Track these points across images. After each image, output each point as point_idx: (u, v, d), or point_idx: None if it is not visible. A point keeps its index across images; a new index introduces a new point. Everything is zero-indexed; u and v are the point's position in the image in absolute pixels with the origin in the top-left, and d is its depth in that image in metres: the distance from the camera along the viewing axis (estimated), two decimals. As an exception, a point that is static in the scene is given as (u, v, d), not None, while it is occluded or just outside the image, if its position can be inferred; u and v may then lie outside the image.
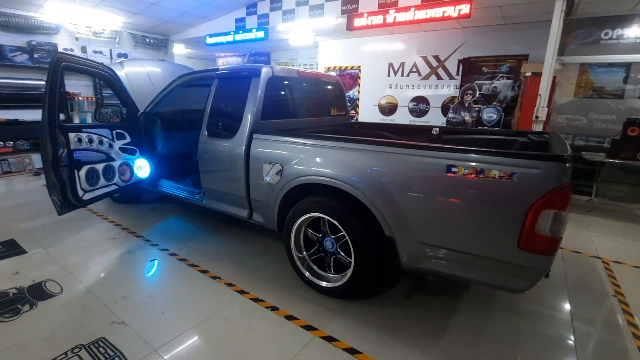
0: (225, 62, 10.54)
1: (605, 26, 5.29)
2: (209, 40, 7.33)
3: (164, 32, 7.94)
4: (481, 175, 1.77)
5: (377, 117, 7.68)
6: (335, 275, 2.45)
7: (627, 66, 5.26)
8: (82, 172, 2.91)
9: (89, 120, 6.44)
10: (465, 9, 4.43)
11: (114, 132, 3.33)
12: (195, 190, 3.51)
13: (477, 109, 5.53)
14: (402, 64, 7.11)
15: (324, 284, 2.45)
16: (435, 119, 6.97)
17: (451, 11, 4.51)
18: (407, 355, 1.94)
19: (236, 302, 2.40)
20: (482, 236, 1.84)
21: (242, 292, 2.53)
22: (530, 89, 4.70)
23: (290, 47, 9.00)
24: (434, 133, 3.60)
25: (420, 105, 7.11)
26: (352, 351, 1.96)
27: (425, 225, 1.99)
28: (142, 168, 3.62)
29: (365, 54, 7.52)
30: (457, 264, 1.98)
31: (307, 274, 2.53)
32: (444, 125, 6.50)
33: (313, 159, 2.39)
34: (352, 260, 2.28)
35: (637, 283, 2.82)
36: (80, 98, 6.17)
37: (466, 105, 5.61)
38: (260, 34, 6.49)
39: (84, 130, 2.96)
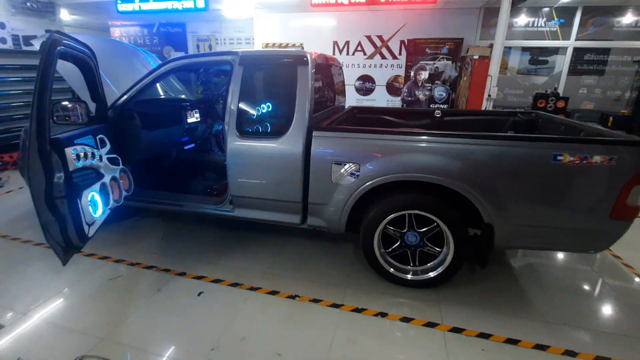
0: (125, 33, 8.61)
1: (514, 15, 6.37)
2: (123, 7, 5.84)
3: (45, -8, 5.94)
4: (585, 161, 2.04)
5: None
6: (430, 266, 2.49)
7: (532, 49, 6.51)
8: (84, 199, 2.09)
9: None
10: (432, -6, 4.69)
11: (97, 137, 2.46)
12: (213, 200, 2.94)
13: (429, 87, 6.06)
14: (347, 43, 7.15)
15: (431, 274, 2.45)
16: (381, 97, 7.36)
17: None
18: (525, 326, 2.17)
19: (340, 317, 2.22)
20: (580, 212, 2.15)
21: (334, 305, 2.34)
22: (478, 71, 5.41)
23: (214, 18, 7.92)
24: (437, 116, 3.84)
25: (366, 83, 7.35)
26: (484, 335, 2.09)
27: (528, 208, 2.19)
28: (126, 180, 2.81)
29: (308, 31, 7.23)
30: (549, 238, 2.28)
31: (409, 276, 2.49)
32: (390, 105, 6.93)
33: (405, 156, 2.30)
34: (451, 250, 2.36)
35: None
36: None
37: (419, 84, 6.08)
38: (200, 3, 5.51)
39: (76, 141, 2.10)
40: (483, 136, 2.19)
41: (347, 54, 7.20)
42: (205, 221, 3.50)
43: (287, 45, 7.44)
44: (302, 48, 7.39)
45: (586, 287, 2.63)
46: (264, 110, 2.69)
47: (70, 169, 1.98)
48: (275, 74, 2.61)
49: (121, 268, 2.73)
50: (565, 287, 2.61)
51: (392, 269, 2.51)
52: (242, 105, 2.62)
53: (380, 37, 6.94)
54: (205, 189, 3.32)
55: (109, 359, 1.85)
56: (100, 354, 1.88)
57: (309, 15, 7.06)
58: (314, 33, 7.21)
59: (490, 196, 2.19)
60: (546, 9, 6.30)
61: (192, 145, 3.95)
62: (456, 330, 2.13)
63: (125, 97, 2.87)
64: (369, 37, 6.99)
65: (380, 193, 2.44)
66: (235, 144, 2.62)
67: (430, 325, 2.17)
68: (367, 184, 2.38)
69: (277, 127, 2.56)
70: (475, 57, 5.49)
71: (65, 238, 2.00)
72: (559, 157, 2.06)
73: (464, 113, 4.22)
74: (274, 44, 7.49)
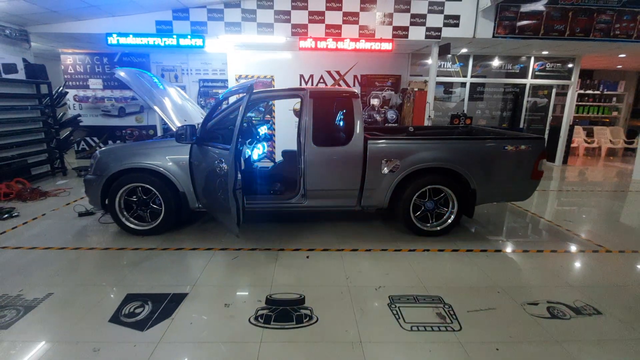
0: (81, 61, 8.45)
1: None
2: (113, 40, 6.19)
3: (22, 22, 5.89)
4: (517, 149, 3.83)
5: (293, 120, 8.85)
6: (441, 221, 3.97)
7: (446, 84, 8.99)
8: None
9: None
10: (388, 46, 6.52)
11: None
12: (286, 197, 3.92)
13: (383, 111, 7.89)
14: (312, 76, 8.61)
15: (449, 221, 3.91)
16: (340, 119, 8.95)
17: (379, 46, 6.49)
18: (491, 242, 3.81)
19: (404, 255, 3.51)
20: (517, 176, 3.92)
21: (397, 250, 3.62)
22: (419, 99, 7.43)
23: (181, 50, 8.52)
24: (411, 130, 5.52)
25: (328, 109, 8.87)
26: (484, 250, 3.64)
27: (493, 177, 3.88)
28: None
29: (277, 66, 8.47)
30: (504, 194, 4.03)
31: (438, 228, 3.92)
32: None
33: (427, 152, 3.77)
34: (455, 208, 3.89)
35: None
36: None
37: (376, 109, 7.87)
38: (199, 42, 6.29)
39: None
40: (467, 138, 3.83)
41: (312, 84, 8.65)
42: (252, 219, 4.36)
43: (258, 77, 8.52)
44: (273, 80, 8.59)
45: (508, 221, 4.50)
46: (331, 127, 3.87)
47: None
48: (337, 104, 3.85)
49: (230, 253, 3.49)
50: (500, 222, 4.42)
51: (420, 225, 3.92)
52: (315, 125, 3.76)
53: (338, 72, 8.61)
54: (269, 191, 4.24)
55: (296, 292, 2.76)
56: (282, 291, 2.78)
57: (279, 52, 8.34)
58: (282, 67, 8.48)
59: (473, 172, 3.82)
60: (450, 56, 8.87)
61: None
62: (469, 250, 3.63)
63: (213, 120, 3.70)
64: (329, 72, 8.59)
65: (408, 178, 3.85)
66: (311, 151, 3.73)
67: (455, 251, 3.63)
68: (405, 171, 3.77)
69: (342, 138, 3.77)
70: (416, 89, 7.53)
71: (239, 218, 2.85)
72: (506, 147, 3.82)
73: (427, 128, 6.02)
74: (246, 76, 8.49)
